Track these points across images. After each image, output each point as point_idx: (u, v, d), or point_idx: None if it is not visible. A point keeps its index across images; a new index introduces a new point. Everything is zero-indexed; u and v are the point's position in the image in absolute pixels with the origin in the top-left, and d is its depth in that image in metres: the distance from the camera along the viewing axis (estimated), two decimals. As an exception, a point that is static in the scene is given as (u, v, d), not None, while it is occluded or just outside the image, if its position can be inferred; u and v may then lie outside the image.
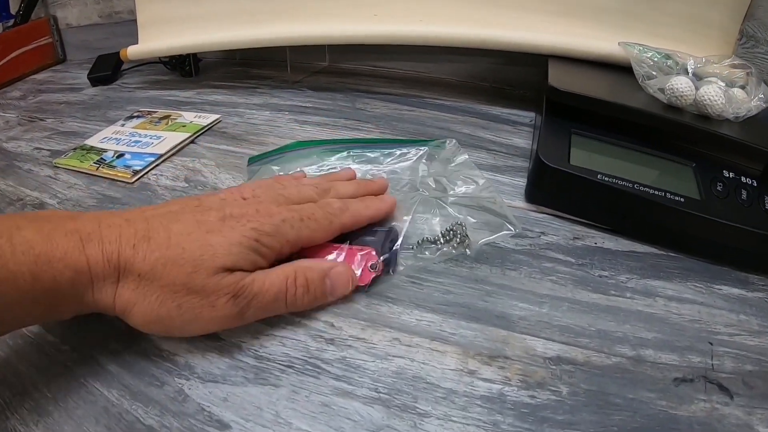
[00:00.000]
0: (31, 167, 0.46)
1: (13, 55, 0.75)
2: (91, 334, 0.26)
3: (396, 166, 0.39)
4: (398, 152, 0.40)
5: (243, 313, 0.24)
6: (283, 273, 0.25)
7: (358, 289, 0.28)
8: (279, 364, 0.25)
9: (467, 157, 0.39)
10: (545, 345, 0.25)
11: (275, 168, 0.40)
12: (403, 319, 0.27)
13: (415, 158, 0.39)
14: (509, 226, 0.32)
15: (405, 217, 0.32)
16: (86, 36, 0.82)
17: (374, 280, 0.28)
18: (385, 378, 0.24)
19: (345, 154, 0.41)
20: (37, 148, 0.50)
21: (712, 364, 0.25)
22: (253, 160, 0.42)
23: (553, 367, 0.24)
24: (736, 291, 0.29)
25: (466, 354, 0.25)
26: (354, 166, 0.39)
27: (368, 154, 0.40)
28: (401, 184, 0.37)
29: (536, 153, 0.34)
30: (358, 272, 0.28)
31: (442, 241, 0.31)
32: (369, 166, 0.39)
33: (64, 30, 0.83)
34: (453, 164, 0.39)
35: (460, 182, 0.36)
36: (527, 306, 0.27)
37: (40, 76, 0.77)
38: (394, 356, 0.25)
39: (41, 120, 0.58)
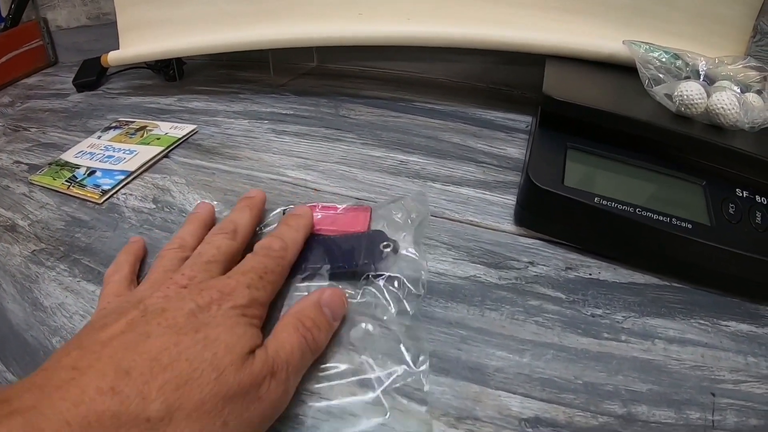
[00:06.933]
0: (9, 183, 0.45)
1: (4, 59, 0.73)
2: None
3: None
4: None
5: (288, 387, 0.22)
6: (290, 326, 0.23)
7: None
8: None
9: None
10: (522, 403, 0.22)
11: None
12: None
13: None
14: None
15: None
16: (76, 38, 0.79)
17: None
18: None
19: None
20: (16, 162, 0.48)
21: (713, 420, 0.22)
22: None
23: (530, 430, 0.21)
24: (744, 327, 0.26)
25: (430, 414, 0.22)
26: None
27: None
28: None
29: (526, 172, 0.31)
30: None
31: None
32: None
33: (55, 32, 0.81)
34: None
35: None
36: (506, 354, 0.25)
37: (30, 81, 0.75)
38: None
39: (25, 129, 0.56)
